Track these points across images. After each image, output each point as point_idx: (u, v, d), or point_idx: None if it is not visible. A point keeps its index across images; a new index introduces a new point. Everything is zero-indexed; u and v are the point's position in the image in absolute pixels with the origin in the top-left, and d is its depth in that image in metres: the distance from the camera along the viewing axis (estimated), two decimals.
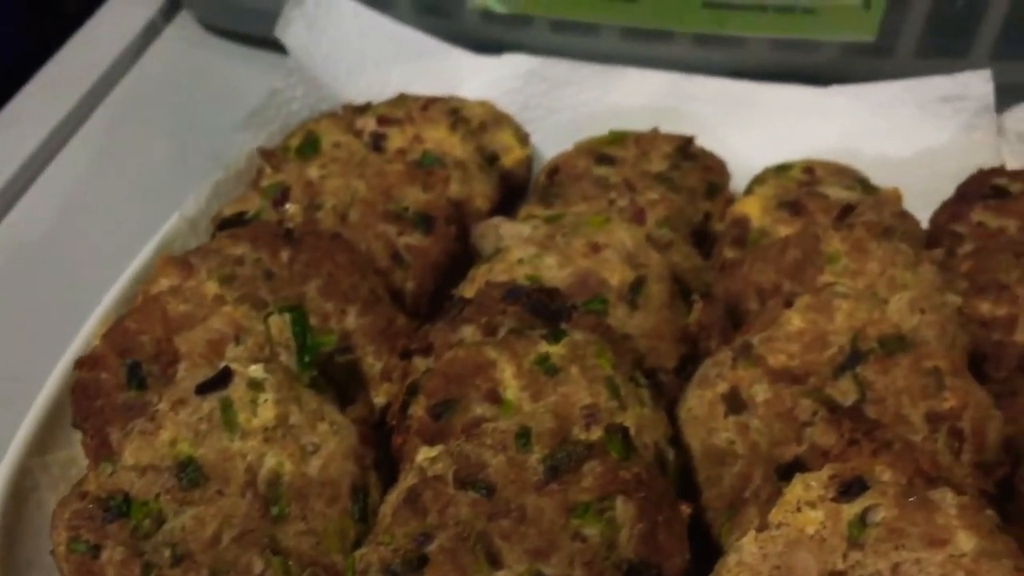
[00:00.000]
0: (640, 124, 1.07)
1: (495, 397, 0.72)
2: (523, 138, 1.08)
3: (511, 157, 1.06)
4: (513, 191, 1.06)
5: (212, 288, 0.80)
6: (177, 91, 1.29)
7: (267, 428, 0.70)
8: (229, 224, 0.91)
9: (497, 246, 0.90)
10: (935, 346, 0.76)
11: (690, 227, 0.97)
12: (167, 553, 0.66)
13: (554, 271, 0.84)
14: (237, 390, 0.71)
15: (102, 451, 0.75)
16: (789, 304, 0.78)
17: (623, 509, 0.64)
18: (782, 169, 1.00)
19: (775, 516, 0.63)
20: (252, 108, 1.08)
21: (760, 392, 0.75)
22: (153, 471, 0.69)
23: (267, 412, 0.71)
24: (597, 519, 0.64)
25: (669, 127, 1.06)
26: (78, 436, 0.78)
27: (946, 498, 0.62)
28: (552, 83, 1.17)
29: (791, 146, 1.06)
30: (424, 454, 0.69)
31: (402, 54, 1.19)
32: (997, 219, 0.94)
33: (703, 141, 1.05)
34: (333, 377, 0.80)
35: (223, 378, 0.71)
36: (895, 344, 0.74)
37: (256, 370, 0.72)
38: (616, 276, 0.84)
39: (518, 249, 0.87)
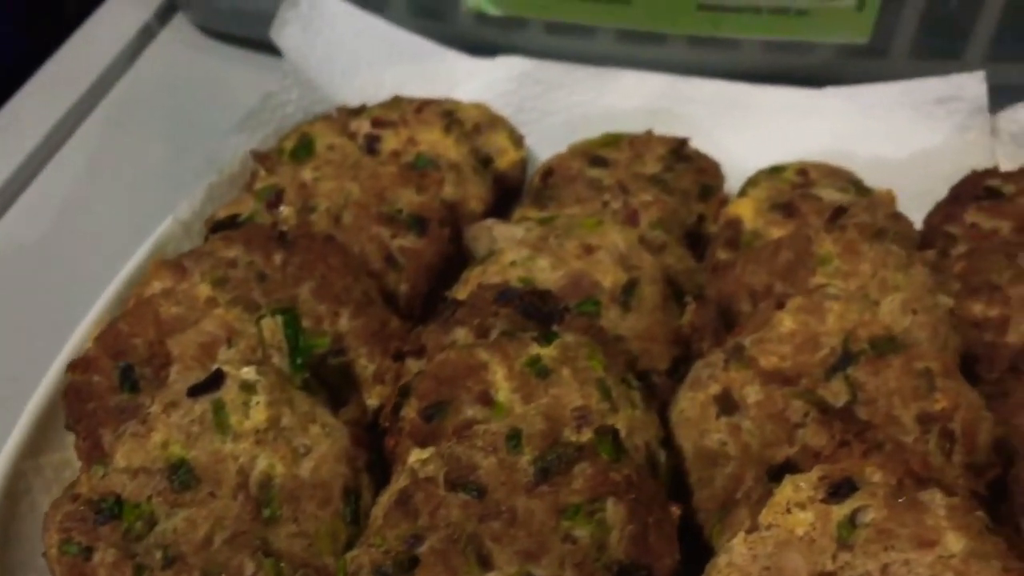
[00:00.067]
0: (634, 126, 1.07)
1: (487, 399, 0.72)
2: (517, 140, 1.08)
3: (505, 159, 1.07)
4: (507, 193, 1.07)
5: (205, 291, 0.80)
6: (173, 93, 1.29)
7: (259, 430, 0.70)
8: (222, 227, 0.91)
9: (490, 248, 0.90)
10: (926, 347, 0.76)
11: (683, 229, 0.97)
12: (159, 555, 0.66)
13: (547, 273, 0.84)
14: (229, 392, 0.71)
15: (95, 453, 0.75)
16: (781, 306, 0.78)
17: (613, 511, 0.64)
18: (776, 171, 1.00)
19: (765, 517, 0.63)
20: (247, 110, 1.08)
21: (752, 393, 0.75)
22: (145, 473, 0.69)
23: (259, 414, 0.71)
24: (587, 520, 0.64)
25: (663, 129, 1.06)
26: (71, 438, 0.78)
27: (935, 499, 0.62)
28: (547, 85, 1.17)
29: (785, 148, 1.06)
30: (416, 456, 0.69)
31: (397, 56, 1.19)
32: (990, 220, 0.94)
33: (697, 143, 1.05)
34: (326, 379, 0.80)
35: (215, 380, 0.72)
36: (886, 345, 0.75)
37: (248, 372, 0.72)
38: (609, 278, 0.84)
39: (511, 251, 0.87)
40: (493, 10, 1.18)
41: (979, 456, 0.72)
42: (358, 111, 1.07)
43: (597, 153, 1.03)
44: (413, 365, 0.79)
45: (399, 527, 0.65)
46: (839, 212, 0.91)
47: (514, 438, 0.67)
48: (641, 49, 1.18)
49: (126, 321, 0.79)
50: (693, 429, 0.76)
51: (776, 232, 0.91)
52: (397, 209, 0.94)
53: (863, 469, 0.65)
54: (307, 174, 0.95)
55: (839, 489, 0.63)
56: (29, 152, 1.18)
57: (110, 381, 0.77)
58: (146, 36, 1.37)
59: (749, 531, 0.63)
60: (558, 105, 1.17)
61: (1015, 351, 0.82)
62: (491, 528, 0.64)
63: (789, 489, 0.63)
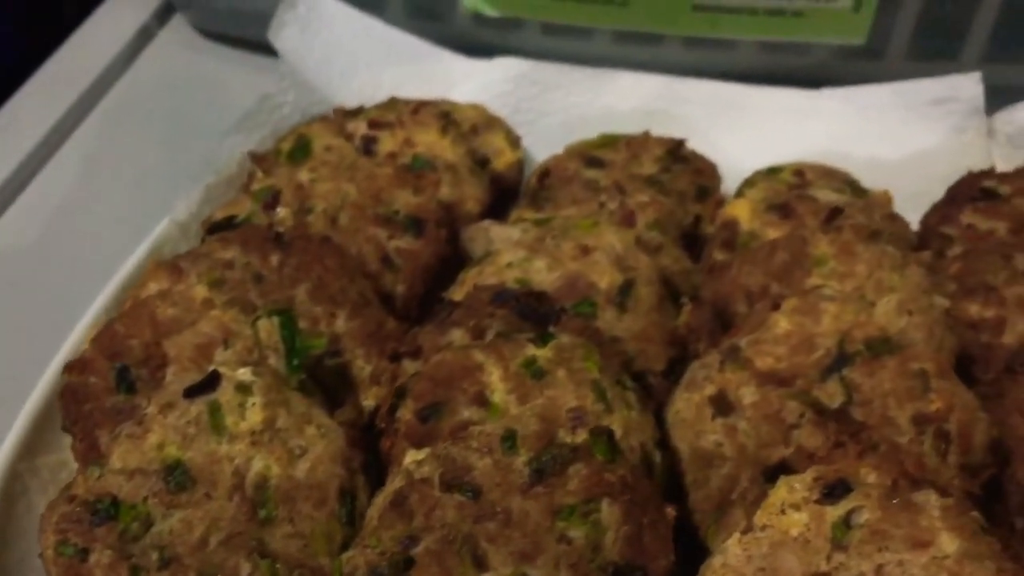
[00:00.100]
0: (631, 127, 1.07)
1: (482, 400, 0.72)
2: (514, 141, 1.09)
3: (502, 160, 1.07)
4: (505, 194, 1.07)
5: (201, 292, 0.81)
6: (171, 95, 1.29)
7: (255, 431, 0.70)
8: (219, 228, 0.91)
9: (487, 249, 0.90)
10: (922, 348, 0.76)
11: (680, 230, 0.97)
12: (155, 556, 0.66)
13: (543, 274, 0.85)
14: (225, 393, 0.71)
15: (91, 455, 0.75)
16: (777, 307, 0.78)
17: (608, 512, 0.64)
18: (772, 172, 1.01)
19: (759, 518, 0.63)
20: (245, 112, 1.08)
21: (747, 394, 0.75)
22: (141, 474, 0.69)
23: (255, 415, 0.71)
24: (582, 521, 0.64)
25: (660, 130, 1.06)
26: (68, 440, 0.78)
27: (930, 500, 0.62)
28: (543, 86, 1.17)
29: (782, 149, 1.06)
30: (411, 457, 0.69)
31: (394, 57, 1.19)
32: (986, 221, 0.94)
33: (694, 144, 1.05)
34: (322, 380, 0.80)
35: (211, 382, 0.72)
36: (881, 346, 0.75)
37: (244, 373, 0.72)
38: (605, 279, 0.84)
39: (507, 252, 0.87)
40: (490, 11, 1.18)
41: (974, 457, 0.72)
42: (355, 112, 1.07)
43: (593, 154, 1.03)
44: (409, 366, 0.79)
45: (394, 528, 0.65)
46: (835, 213, 0.91)
47: (509, 439, 0.67)
48: (638, 50, 1.18)
49: (122, 322, 0.79)
50: (689, 430, 0.76)
51: (772, 233, 0.91)
52: (394, 210, 0.94)
53: (858, 470, 0.65)
54: (304, 175, 0.95)
55: (833, 490, 0.63)
56: (27, 153, 1.18)
57: (106, 382, 0.77)
58: (144, 37, 1.37)
59: (744, 532, 0.63)
60: (555, 106, 1.17)
61: (1011, 352, 0.83)
62: (486, 529, 0.64)
63: (783, 490, 0.64)
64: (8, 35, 1.49)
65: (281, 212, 0.93)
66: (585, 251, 0.85)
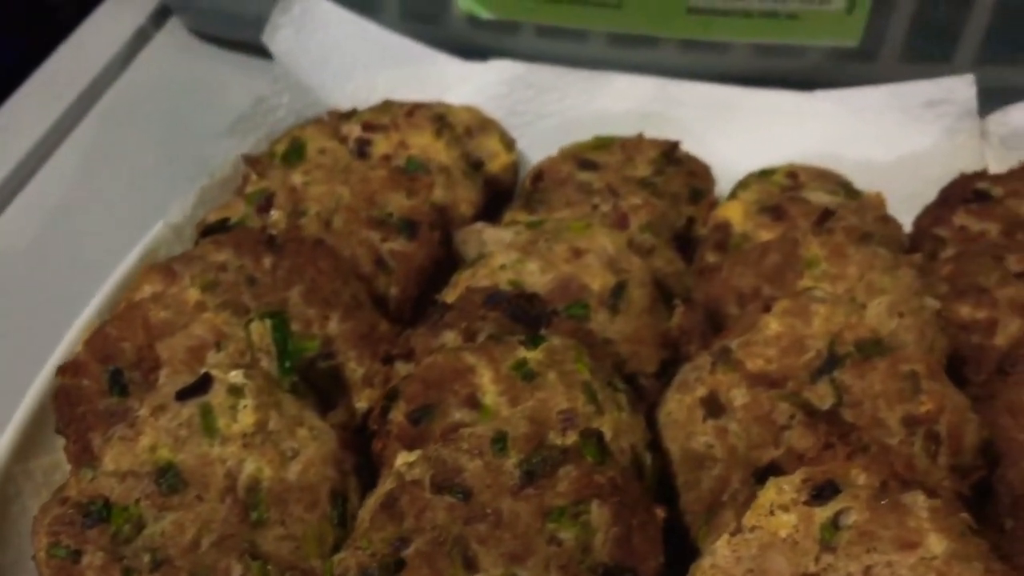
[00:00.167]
0: (626, 129, 1.07)
1: (473, 402, 0.72)
2: (509, 144, 1.09)
3: (497, 163, 1.07)
4: (499, 197, 1.07)
5: (194, 295, 0.81)
6: (166, 97, 1.29)
7: (246, 433, 0.71)
8: (213, 231, 0.91)
9: (480, 252, 0.91)
10: (912, 350, 0.76)
11: (673, 232, 0.97)
12: (147, 558, 0.67)
13: (536, 276, 0.85)
14: (217, 396, 0.71)
15: (84, 457, 0.75)
16: (768, 308, 0.78)
17: (598, 513, 0.65)
18: (765, 174, 1.01)
19: (748, 519, 0.63)
20: (239, 114, 1.09)
21: (738, 396, 0.75)
22: (133, 477, 0.69)
23: (247, 418, 0.71)
24: (572, 523, 0.64)
25: (654, 132, 1.07)
26: (61, 442, 0.79)
27: (918, 501, 0.62)
28: (538, 89, 1.17)
29: (776, 151, 1.06)
30: (403, 459, 0.69)
31: (389, 60, 1.19)
32: (979, 223, 0.95)
33: (688, 146, 1.06)
34: (315, 382, 0.80)
35: (203, 384, 0.72)
36: (872, 348, 0.75)
37: (236, 376, 0.72)
38: (597, 281, 0.84)
39: (500, 255, 0.87)
40: (485, 14, 1.19)
41: (965, 458, 0.72)
42: (349, 115, 1.07)
43: (587, 156, 1.03)
44: (402, 368, 0.80)
45: (385, 530, 0.65)
46: (827, 215, 0.91)
47: (500, 441, 0.67)
48: (632, 53, 1.18)
49: (115, 325, 0.79)
50: (680, 431, 0.76)
51: (765, 235, 0.92)
52: (387, 213, 0.94)
53: (848, 471, 0.65)
54: (298, 178, 0.96)
55: (822, 491, 0.63)
56: (23, 156, 1.18)
57: (99, 385, 0.77)
58: (140, 40, 1.37)
59: (733, 533, 0.63)
60: (550, 108, 1.17)
61: (1002, 353, 0.83)
62: (476, 530, 0.65)
63: (772, 491, 0.64)
64: (4, 37, 1.49)
65: (275, 215, 0.93)
66: (578, 253, 0.86)
